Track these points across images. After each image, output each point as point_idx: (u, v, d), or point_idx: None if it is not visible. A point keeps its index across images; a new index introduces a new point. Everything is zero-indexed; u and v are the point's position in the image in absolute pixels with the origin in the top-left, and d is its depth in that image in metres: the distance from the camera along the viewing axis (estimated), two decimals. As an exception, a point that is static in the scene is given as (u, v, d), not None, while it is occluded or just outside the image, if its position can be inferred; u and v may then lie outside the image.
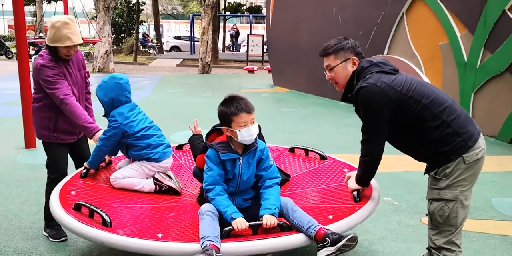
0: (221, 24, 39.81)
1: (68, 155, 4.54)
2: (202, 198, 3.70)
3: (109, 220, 3.16)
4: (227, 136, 3.33)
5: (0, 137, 8.71)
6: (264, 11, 37.34)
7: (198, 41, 29.20)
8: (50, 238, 4.50)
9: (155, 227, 3.25)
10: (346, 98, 3.35)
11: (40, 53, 4.25)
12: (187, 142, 4.60)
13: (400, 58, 10.85)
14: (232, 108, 3.21)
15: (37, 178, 6.18)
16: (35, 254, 4.24)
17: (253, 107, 3.27)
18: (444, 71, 9.95)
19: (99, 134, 4.15)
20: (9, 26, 50.37)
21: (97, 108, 4.45)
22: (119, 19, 37.40)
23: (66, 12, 20.51)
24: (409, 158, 3.42)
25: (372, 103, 3.08)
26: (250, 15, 40.64)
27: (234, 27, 42.70)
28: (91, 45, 26.84)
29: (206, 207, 3.20)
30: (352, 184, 3.57)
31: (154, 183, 4.07)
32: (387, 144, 3.24)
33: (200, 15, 26.28)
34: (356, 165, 3.79)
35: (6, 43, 32.34)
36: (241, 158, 3.32)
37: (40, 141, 4.51)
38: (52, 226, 4.52)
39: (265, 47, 25.58)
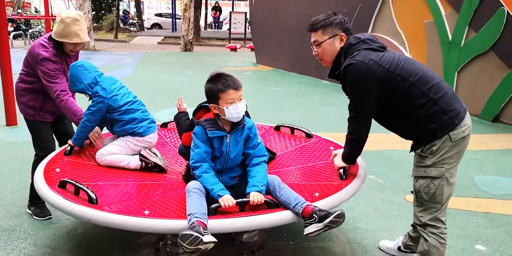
0: (203, 1, 39.33)
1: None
2: (188, 176, 3.69)
3: (95, 197, 3.12)
4: (215, 113, 3.30)
5: (-20, 114, 8.58)
6: (247, -11, 37.02)
7: (179, 19, 28.90)
8: (34, 216, 4.48)
9: (142, 204, 3.23)
10: (333, 75, 3.34)
11: (41, 42, 4.18)
12: (172, 120, 4.57)
13: (384, 36, 10.83)
14: (219, 84, 3.17)
15: (19, 156, 6.12)
16: (19, 232, 4.21)
17: (240, 84, 3.23)
18: (428, 50, 9.98)
19: (96, 127, 4.17)
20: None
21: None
22: (99, -5, 36.88)
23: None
24: (392, 136, 3.43)
25: (360, 80, 3.07)
26: (233, -8, 40.28)
27: (217, 5, 42.25)
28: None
29: (193, 184, 3.18)
30: (339, 162, 3.58)
31: (140, 160, 4.03)
32: (372, 122, 3.24)
33: (182, -8, 25.95)
34: (342, 143, 3.80)
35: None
36: (228, 135, 3.30)
37: (22, 119, 4.47)
38: (36, 204, 4.49)
39: (248, 25, 25.44)
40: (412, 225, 3.63)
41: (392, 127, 3.31)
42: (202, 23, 37.27)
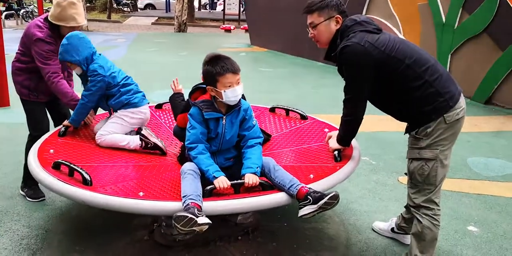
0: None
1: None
2: (183, 157, 3.69)
3: (89, 179, 3.11)
4: (211, 95, 3.29)
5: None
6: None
7: (173, -1, 28.68)
8: (27, 198, 4.48)
9: (136, 186, 3.23)
10: (329, 57, 3.33)
11: (37, 22, 4.16)
12: (167, 101, 4.55)
13: (378, 18, 10.78)
14: (218, 67, 3.15)
15: (12, 138, 6.10)
16: (12, 213, 4.22)
17: (239, 67, 3.21)
18: (422, 32, 9.95)
19: None
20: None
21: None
22: (92, -26, 36.48)
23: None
24: (385, 118, 3.44)
25: (355, 62, 3.06)
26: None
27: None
28: None
29: (188, 166, 3.17)
30: (333, 143, 3.58)
31: (140, 139, 4.02)
32: (367, 104, 3.24)
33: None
34: (336, 125, 3.80)
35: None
36: (224, 117, 3.29)
37: (15, 100, 4.45)
38: (30, 185, 4.49)
39: (242, 5, 25.25)
40: (405, 207, 3.66)
41: (387, 109, 3.31)
42: (196, 3, 36.96)
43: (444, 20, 9.33)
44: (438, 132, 3.07)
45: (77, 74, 4.15)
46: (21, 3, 28.53)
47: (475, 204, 4.60)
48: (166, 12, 34.79)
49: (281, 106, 4.80)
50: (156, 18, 31.24)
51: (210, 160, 3.21)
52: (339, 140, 3.53)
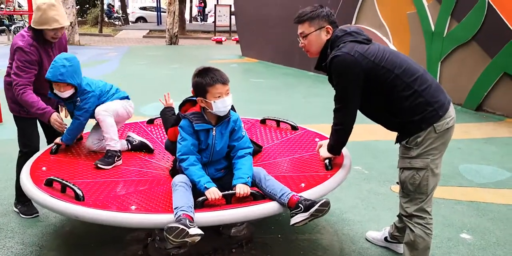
0: (188, -6, 39.15)
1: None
2: (175, 171, 3.69)
3: (81, 194, 3.12)
4: (201, 106, 3.32)
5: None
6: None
7: (164, 12, 28.76)
8: (21, 215, 4.46)
9: (128, 200, 3.23)
10: (320, 67, 3.36)
11: (22, 32, 4.17)
12: (159, 115, 4.56)
13: (368, 28, 10.86)
14: (207, 79, 3.19)
15: (5, 154, 6.07)
16: (6, 231, 4.20)
17: (228, 78, 3.26)
18: (412, 40, 10.03)
19: (55, 115, 4.10)
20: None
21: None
22: (83, -11, 36.55)
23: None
24: (377, 127, 3.46)
25: (345, 72, 3.09)
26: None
27: (201, 0, 41.98)
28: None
29: (179, 178, 3.19)
30: (324, 152, 3.60)
31: (126, 140, 4.22)
32: (357, 113, 3.27)
33: (166, -15, 25.82)
34: (327, 134, 3.82)
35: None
36: (214, 128, 3.32)
37: (8, 116, 4.44)
38: (23, 202, 4.48)
39: (233, 17, 25.32)
40: (398, 216, 3.67)
41: (377, 118, 3.34)
42: (187, 16, 37.11)
43: (433, 28, 9.41)
44: (428, 141, 3.10)
45: (61, 100, 4.09)
46: (12, 18, 28.56)
47: (467, 211, 4.62)
48: (158, 24, 34.94)
49: (272, 118, 4.82)
50: (148, 31, 31.36)
51: (201, 172, 3.22)
52: (329, 149, 3.54)
